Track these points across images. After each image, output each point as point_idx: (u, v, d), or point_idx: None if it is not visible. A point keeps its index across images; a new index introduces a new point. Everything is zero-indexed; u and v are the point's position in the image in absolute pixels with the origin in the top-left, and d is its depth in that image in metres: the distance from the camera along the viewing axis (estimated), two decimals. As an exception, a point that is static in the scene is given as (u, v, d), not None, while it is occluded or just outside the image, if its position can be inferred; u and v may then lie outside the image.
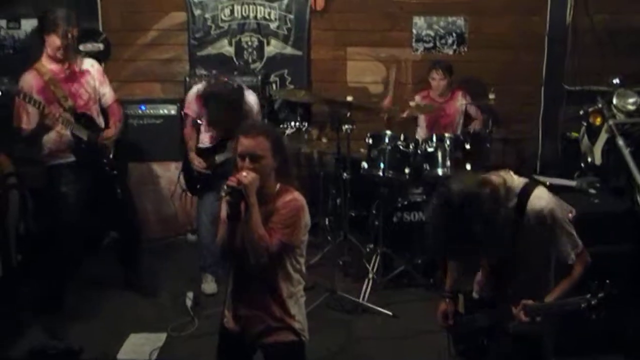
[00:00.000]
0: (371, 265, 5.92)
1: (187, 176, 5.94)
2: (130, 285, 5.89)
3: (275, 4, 7.31)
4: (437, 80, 6.72)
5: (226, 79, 5.73)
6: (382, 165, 5.89)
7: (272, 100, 6.97)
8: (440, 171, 5.90)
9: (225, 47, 7.39)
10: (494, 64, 7.36)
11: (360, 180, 6.19)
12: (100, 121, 5.47)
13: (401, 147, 5.95)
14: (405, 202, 6.02)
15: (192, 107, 5.84)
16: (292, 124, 6.24)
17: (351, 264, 6.18)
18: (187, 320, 5.28)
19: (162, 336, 5.09)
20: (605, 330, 4.27)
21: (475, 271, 3.46)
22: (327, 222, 6.77)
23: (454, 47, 7.46)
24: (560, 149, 7.32)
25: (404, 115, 6.75)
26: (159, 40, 7.42)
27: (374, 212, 6.25)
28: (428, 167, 5.98)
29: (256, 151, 3.18)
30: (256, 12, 7.32)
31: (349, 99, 5.89)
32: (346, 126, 5.79)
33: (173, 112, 6.99)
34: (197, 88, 5.81)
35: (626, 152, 5.36)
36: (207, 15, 7.32)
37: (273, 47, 7.40)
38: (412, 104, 6.70)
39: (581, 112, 6.20)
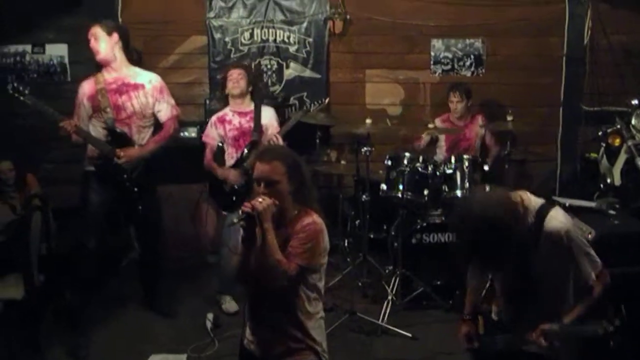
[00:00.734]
0: (390, 286, 5.91)
1: (218, 195, 5.95)
2: (150, 306, 5.91)
3: (295, 28, 7.38)
4: (455, 102, 6.73)
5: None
6: (401, 187, 5.91)
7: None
8: (459, 192, 5.91)
9: (245, 71, 7.47)
10: (512, 85, 7.39)
11: (379, 201, 6.21)
12: (141, 138, 5.52)
13: (420, 169, 5.98)
14: (425, 224, 6.00)
15: (209, 133, 5.95)
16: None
17: (370, 285, 6.19)
18: (207, 342, 5.29)
19: (183, 357, 5.09)
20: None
21: (494, 292, 3.46)
22: (346, 244, 6.79)
23: (472, 69, 7.50)
24: (579, 170, 7.31)
25: (425, 137, 6.78)
26: (180, 63, 7.51)
27: (393, 233, 6.25)
28: (447, 189, 5.99)
29: (271, 176, 3.19)
30: (275, 35, 7.40)
31: (368, 121, 5.93)
32: (365, 148, 5.82)
33: (194, 134, 7.03)
34: (216, 115, 5.97)
35: (645, 172, 5.36)
36: (227, 39, 7.41)
37: (292, 70, 7.46)
38: (431, 126, 6.70)
39: (600, 133, 6.20)
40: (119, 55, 5.45)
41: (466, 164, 5.99)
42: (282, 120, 6.35)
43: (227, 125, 5.86)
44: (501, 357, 3.38)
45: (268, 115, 5.89)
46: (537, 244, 3.08)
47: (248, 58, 7.36)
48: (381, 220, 6.55)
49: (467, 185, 5.92)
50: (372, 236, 6.46)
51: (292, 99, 7.42)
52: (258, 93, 6.07)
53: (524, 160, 6.86)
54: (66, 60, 7.35)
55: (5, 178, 5.81)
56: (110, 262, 6.35)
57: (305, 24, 7.38)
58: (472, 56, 7.48)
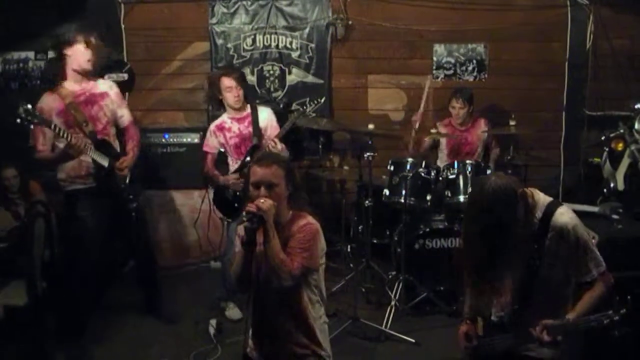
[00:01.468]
0: (393, 292, 5.91)
1: (221, 202, 5.93)
2: (152, 313, 5.92)
3: (297, 34, 7.39)
4: (457, 109, 6.71)
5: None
6: (403, 192, 5.92)
7: (294, 128, 7.00)
8: (461, 198, 5.90)
9: (248, 76, 7.43)
10: (514, 90, 7.39)
11: (382, 207, 6.22)
12: (117, 145, 5.49)
13: (423, 174, 5.99)
14: (427, 229, 6.00)
15: (209, 143, 5.93)
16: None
17: (373, 291, 6.19)
18: (210, 348, 5.29)
19: (186, 363, 5.10)
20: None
21: (494, 293, 3.46)
22: (349, 249, 6.79)
23: (474, 74, 7.50)
24: (582, 175, 7.31)
25: (427, 140, 6.77)
26: (183, 69, 7.52)
27: (395, 239, 6.26)
28: (450, 194, 5.99)
29: (271, 179, 3.24)
30: (278, 41, 7.41)
31: (370, 126, 5.93)
32: (367, 153, 5.82)
33: (196, 140, 7.06)
34: (214, 124, 5.94)
35: (649, 177, 5.36)
36: (229, 45, 7.42)
37: (295, 76, 7.47)
38: (433, 131, 6.70)
39: (603, 138, 6.21)
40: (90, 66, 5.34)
41: (469, 169, 5.99)
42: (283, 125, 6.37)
43: (227, 132, 5.83)
44: (500, 358, 3.37)
45: (265, 117, 5.88)
46: (545, 238, 3.10)
47: (250, 64, 7.38)
48: (384, 226, 6.57)
49: (469, 190, 5.91)
50: (375, 242, 6.47)
51: (294, 104, 7.39)
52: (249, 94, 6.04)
53: (526, 165, 6.83)
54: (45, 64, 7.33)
55: (10, 185, 5.82)
56: (112, 269, 6.34)
57: (307, 30, 7.39)
58: (474, 61, 7.48)
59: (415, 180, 5.97)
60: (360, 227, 6.60)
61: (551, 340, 3.06)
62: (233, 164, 5.88)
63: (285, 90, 7.47)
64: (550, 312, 3.14)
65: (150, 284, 5.95)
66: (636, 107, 5.93)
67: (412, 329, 5.53)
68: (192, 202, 7.07)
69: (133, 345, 5.44)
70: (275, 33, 7.39)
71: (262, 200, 3.14)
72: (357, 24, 7.37)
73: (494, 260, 3.07)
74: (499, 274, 3.25)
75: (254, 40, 7.42)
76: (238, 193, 5.74)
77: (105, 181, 5.31)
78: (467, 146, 6.78)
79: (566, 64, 7.42)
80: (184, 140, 7.09)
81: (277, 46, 7.42)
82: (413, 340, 5.36)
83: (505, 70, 7.46)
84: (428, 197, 5.98)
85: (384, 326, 5.52)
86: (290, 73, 7.46)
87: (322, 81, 7.47)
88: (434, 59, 7.49)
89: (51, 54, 7.20)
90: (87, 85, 5.31)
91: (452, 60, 7.48)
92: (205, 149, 5.99)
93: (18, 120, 4.76)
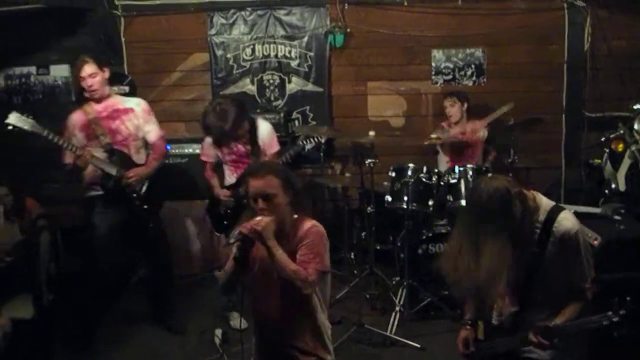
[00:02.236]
0: (398, 297, 5.93)
1: (213, 215, 5.97)
2: (159, 322, 5.94)
3: (296, 42, 7.43)
4: (448, 107, 6.77)
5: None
6: (405, 198, 5.93)
7: (295, 137, 7.03)
8: (463, 202, 5.90)
9: (248, 86, 7.51)
10: (514, 93, 7.38)
11: (384, 213, 6.23)
12: (140, 157, 5.61)
13: (424, 179, 6.00)
14: (430, 234, 6.02)
15: (207, 152, 5.90)
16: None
17: (378, 297, 6.19)
18: (216, 357, 5.29)
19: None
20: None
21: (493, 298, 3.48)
22: (352, 256, 6.80)
23: (473, 78, 7.52)
24: (583, 176, 7.31)
25: (425, 144, 6.80)
26: (183, 81, 7.59)
27: (399, 244, 6.27)
28: (451, 199, 5.99)
29: (267, 190, 3.24)
30: (277, 50, 7.45)
31: (371, 133, 5.95)
32: (369, 160, 5.84)
33: (198, 151, 7.04)
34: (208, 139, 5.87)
35: (650, 177, 5.36)
36: (229, 55, 7.47)
37: (294, 85, 7.51)
38: (433, 135, 6.71)
39: (603, 139, 6.22)
40: (108, 89, 5.56)
41: (470, 173, 6.00)
42: (284, 134, 6.40)
43: (224, 148, 5.74)
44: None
45: (263, 134, 5.72)
46: (547, 242, 3.11)
47: (250, 73, 7.42)
48: (387, 232, 6.58)
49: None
50: (378, 248, 6.49)
51: (294, 113, 7.46)
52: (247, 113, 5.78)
53: (528, 168, 6.85)
54: (70, 81, 7.39)
55: (2, 203, 5.80)
56: (120, 280, 6.36)
57: (306, 39, 7.43)
58: (473, 65, 7.50)
59: (417, 185, 5.98)
60: (363, 234, 6.62)
61: (547, 343, 3.08)
62: (228, 178, 5.85)
63: (285, 99, 7.51)
64: (551, 314, 3.16)
65: (161, 295, 5.98)
66: (635, 107, 5.94)
67: (417, 334, 5.54)
68: (194, 212, 7.10)
69: (139, 355, 5.48)
70: (274, 42, 7.44)
71: (258, 219, 3.15)
72: (355, 31, 7.41)
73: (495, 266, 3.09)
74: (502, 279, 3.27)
75: (253, 50, 7.47)
76: (229, 210, 5.76)
77: (113, 189, 5.43)
78: (469, 148, 6.78)
79: (565, 66, 7.44)
80: (186, 151, 7.12)
81: (276, 55, 7.47)
82: (418, 346, 5.37)
83: (504, 74, 7.48)
84: (430, 202, 5.98)
85: (388, 332, 5.54)
86: (290, 82, 7.49)
87: (321, 89, 7.51)
88: (433, 64, 7.52)
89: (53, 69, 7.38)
90: (110, 102, 5.55)
91: (451, 66, 7.50)
92: (203, 158, 5.96)
93: (9, 127, 5.06)
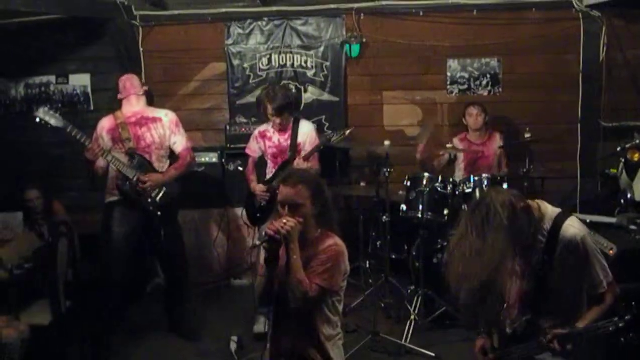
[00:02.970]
0: (413, 306, 5.93)
1: (249, 208, 6.09)
2: (174, 330, 5.99)
3: (312, 52, 7.47)
4: (475, 116, 6.74)
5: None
6: (421, 207, 5.96)
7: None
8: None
9: (264, 96, 7.56)
10: (529, 103, 7.41)
11: (399, 222, 6.24)
12: (161, 166, 5.74)
13: (439, 189, 6.01)
14: (445, 243, 6.00)
15: (251, 146, 6.15)
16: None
17: (393, 306, 6.21)
18: (232, 365, 5.35)
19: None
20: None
21: (507, 306, 3.49)
22: (367, 265, 6.81)
23: (489, 88, 7.52)
24: (599, 186, 7.29)
25: (445, 155, 6.81)
26: (200, 90, 7.64)
27: (414, 253, 6.27)
28: (467, 208, 5.98)
29: (295, 200, 3.28)
30: (293, 60, 7.50)
31: (387, 143, 5.97)
32: (384, 169, 5.86)
33: (214, 159, 7.14)
34: (259, 129, 6.12)
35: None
36: (245, 65, 7.52)
37: (310, 94, 7.54)
38: (449, 146, 6.72)
39: (619, 149, 6.21)
40: (142, 95, 5.84)
41: (485, 183, 6.01)
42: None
43: (267, 141, 6.02)
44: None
45: (305, 132, 6.01)
46: (554, 251, 3.12)
47: (267, 83, 7.44)
48: (402, 241, 6.58)
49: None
50: (393, 257, 6.47)
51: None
52: (295, 110, 6.20)
53: (543, 178, 6.84)
54: (89, 90, 7.53)
55: (33, 206, 5.92)
56: (135, 289, 6.41)
57: (322, 49, 7.47)
58: (488, 75, 7.50)
59: (432, 195, 6.00)
60: (378, 243, 6.63)
61: (561, 349, 3.08)
62: (269, 174, 6.05)
63: (301, 109, 7.52)
64: (565, 321, 3.17)
65: (177, 303, 6.01)
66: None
67: (432, 343, 5.54)
68: (211, 221, 7.15)
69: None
70: (291, 52, 7.48)
71: (284, 221, 3.17)
72: (371, 41, 7.44)
73: (499, 274, 3.10)
74: (507, 287, 3.28)
75: (269, 60, 7.51)
76: (262, 204, 5.89)
77: (129, 193, 5.54)
78: (484, 160, 6.80)
79: (580, 76, 7.41)
80: (203, 159, 7.16)
81: (292, 65, 7.51)
82: (433, 355, 5.37)
83: (520, 84, 7.47)
84: (445, 212, 5.99)
85: (404, 341, 5.54)
86: (306, 91, 7.52)
87: (337, 99, 7.53)
88: (448, 74, 7.53)
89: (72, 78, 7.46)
90: (140, 110, 5.77)
91: (467, 75, 7.51)
92: (247, 151, 6.21)
93: (37, 120, 5.35)
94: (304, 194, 3.30)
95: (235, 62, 7.52)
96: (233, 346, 5.56)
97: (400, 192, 6.30)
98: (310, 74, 7.52)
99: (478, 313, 3.58)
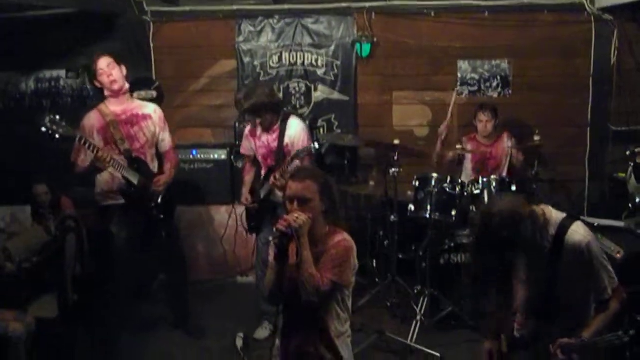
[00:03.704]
0: (419, 306, 5.94)
1: (246, 214, 6.00)
2: (179, 327, 5.99)
3: (323, 51, 7.47)
4: (485, 122, 6.70)
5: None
6: (429, 208, 5.96)
7: (320, 144, 7.04)
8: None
9: (273, 94, 7.57)
10: (539, 106, 7.39)
11: (407, 222, 6.26)
12: (154, 166, 5.60)
13: (448, 190, 6.01)
14: (452, 244, 6.03)
15: (244, 144, 5.99)
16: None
17: (399, 305, 6.21)
18: (237, 362, 5.35)
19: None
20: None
21: (515, 310, 3.48)
22: (374, 264, 6.81)
23: (499, 89, 7.51)
24: (607, 190, 7.28)
25: (451, 155, 6.79)
26: (210, 87, 7.64)
27: (421, 254, 6.28)
28: (475, 209, 5.99)
29: (304, 194, 3.28)
30: (304, 58, 7.49)
31: (396, 142, 5.98)
32: (393, 169, 5.86)
33: (223, 156, 7.15)
34: (248, 128, 5.92)
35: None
36: (256, 63, 7.52)
37: (320, 93, 7.53)
38: (458, 147, 6.71)
39: (628, 153, 6.18)
40: (127, 86, 5.50)
41: (493, 184, 6.01)
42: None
43: (256, 140, 5.81)
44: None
45: (293, 133, 5.68)
46: (559, 256, 3.10)
47: (277, 81, 7.47)
48: (409, 241, 6.59)
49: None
50: (400, 257, 6.48)
51: (320, 121, 7.49)
52: (278, 109, 5.78)
53: (552, 181, 6.83)
54: (86, 87, 7.48)
55: (41, 201, 5.93)
56: (140, 286, 6.42)
57: (333, 47, 7.47)
58: (498, 77, 7.49)
59: (440, 195, 6.00)
60: (385, 242, 6.63)
61: (566, 359, 3.07)
62: (263, 174, 5.88)
63: (311, 107, 7.54)
64: (572, 327, 3.15)
65: (180, 300, 6.02)
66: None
67: (437, 344, 5.54)
68: (219, 218, 7.16)
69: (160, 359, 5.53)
70: (301, 50, 7.48)
71: (296, 216, 3.18)
72: (382, 41, 7.43)
73: (507, 279, 3.10)
74: (517, 291, 3.28)
75: (280, 58, 7.51)
76: (255, 212, 5.84)
77: (134, 198, 5.41)
78: (492, 161, 6.78)
79: (590, 79, 7.40)
80: (212, 156, 7.18)
81: (303, 63, 7.50)
82: (438, 355, 5.38)
83: (530, 86, 7.46)
84: (453, 213, 5.99)
85: (409, 340, 5.55)
86: (316, 90, 7.52)
87: (347, 98, 7.53)
88: (459, 75, 7.52)
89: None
90: (129, 106, 5.50)
91: (477, 77, 7.50)
92: (242, 151, 6.08)
93: (43, 129, 4.94)
94: (312, 188, 3.31)
95: (246, 60, 7.52)
96: (239, 343, 5.54)
97: (409, 192, 6.30)
98: (320, 72, 7.52)
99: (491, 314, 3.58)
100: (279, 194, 5.26)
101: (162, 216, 5.60)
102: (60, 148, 6.28)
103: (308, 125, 6.84)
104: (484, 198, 5.98)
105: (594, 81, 7.39)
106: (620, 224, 5.39)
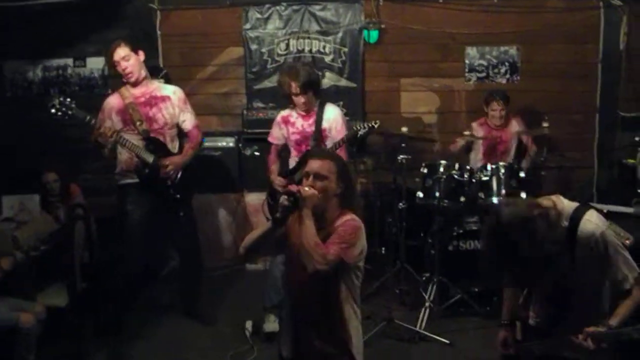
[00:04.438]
0: (428, 293, 5.95)
1: (270, 202, 5.89)
2: (189, 313, 6.02)
3: (330, 38, 7.44)
4: (498, 111, 6.67)
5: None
6: (437, 194, 5.95)
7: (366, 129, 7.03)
8: (495, 199, 5.91)
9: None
10: (547, 92, 7.36)
11: (415, 209, 6.25)
12: (174, 146, 5.68)
13: (456, 176, 6.00)
14: (461, 231, 6.04)
15: (274, 133, 5.92)
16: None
17: (408, 292, 6.22)
18: (247, 348, 5.37)
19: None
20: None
21: (531, 298, 3.46)
22: (383, 251, 6.82)
23: (507, 76, 7.48)
24: (616, 176, 7.25)
25: (462, 142, 6.79)
26: (217, 74, 7.63)
27: (429, 240, 6.29)
28: (483, 196, 5.99)
29: (320, 171, 3.33)
30: (311, 45, 7.47)
31: (404, 129, 5.96)
32: (401, 156, 5.85)
33: (231, 144, 7.16)
34: (281, 114, 5.86)
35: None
36: (263, 50, 7.50)
37: (328, 80, 7.48)
38: (466, 133, 6.69)
39: (637, 139, 6.18)
40: (145, 72, 5.60)
41: (502, 170, 5.99)
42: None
43: (290, 127, 5.75)
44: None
45: (330, 117, 5.69)
46: (573, 247, 3.06)
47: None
48: (418, 228, 6.61)
49: (503, 192, 5.92)
50: (409, 243, 6.48)
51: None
52: (320, 93, 5.81)
53: (560, 167, 6.81)
54: (106, 73, 7.49)
55: (51, 188, 5.94)
56: (151, 271, 6.44)
57: (340, 34, 7.44)
58: (506, 63, 7.46)
59: (449, 182, 5.99)
60: (394, 229, 6.63)
61: (596, 347, 3.01)
62: (292, 162, 5.82)
63: (320, 92, 7.52)
64: (588, 317, 3.11)
65: (191, 286, 6.04)
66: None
67: (446, 330, 5.55)
68: (227, 205, 7.18)
69: (170, 346, 5.55)
70: (309, 37, 7.45)
71: (306, 187, 3.25)
72: (390, 27, 7.41)
73: (521, 270, 3.07)
74: (531, 280, 3.25)
75: (287, 45, 7.49)
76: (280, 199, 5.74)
77: (148, 177, 5.50)
78: (502, 145, 6.76)
79: (599, 65, 7.37)
80: (219, 144, 7.20)
81: (310, 50, 7.48)
82: (447, 341, 5.39)
83: (538, 73, 7.43)
84: (461, 199, 5.99)
85: (418, 327, 5.56)
86: (323, 77, 7.42)
87: (355, 85, 7.51)
88: (467, 61, 7.50)
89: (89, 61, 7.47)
90: (148, 89, 5.61)
91: (485, 63, 7.47)
92: (269, 139, 5.99)
93: (52, 111, 5.18)
94: (329, 167, 3.35)
95: (253, 47, 7.50)
96: (248, 330, 5.58)
97: (417, 179, 6.28)
98: (328, 59, 7.49)
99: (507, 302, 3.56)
100: None
101: (178, 196, 5.65)
102: (68, 136, 6.32)
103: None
104: (492, 184, 5.97)
105: (603, 67, 7.36)
106: (629, 210, 5.38)
